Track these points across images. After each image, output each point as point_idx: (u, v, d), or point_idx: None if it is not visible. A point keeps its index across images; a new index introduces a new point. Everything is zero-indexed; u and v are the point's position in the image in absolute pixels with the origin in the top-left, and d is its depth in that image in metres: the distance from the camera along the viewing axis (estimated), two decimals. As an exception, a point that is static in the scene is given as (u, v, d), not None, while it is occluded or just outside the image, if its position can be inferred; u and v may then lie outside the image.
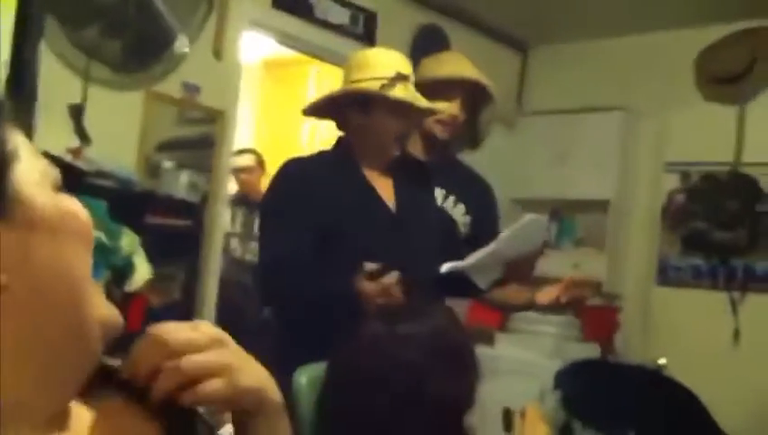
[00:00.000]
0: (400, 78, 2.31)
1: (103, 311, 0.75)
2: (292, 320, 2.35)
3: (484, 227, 2.68)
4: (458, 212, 2.70)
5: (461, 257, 2.43)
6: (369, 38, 4.24)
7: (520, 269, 2.45)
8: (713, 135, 4.52)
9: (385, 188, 2.39)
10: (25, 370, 0.69)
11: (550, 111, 4.93)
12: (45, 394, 0.71)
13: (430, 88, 2.54)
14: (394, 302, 2.13)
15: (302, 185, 2.30)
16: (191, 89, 3.43)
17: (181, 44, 3.30)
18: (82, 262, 0.73)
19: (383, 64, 2.33)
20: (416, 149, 2.66)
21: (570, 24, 4.81)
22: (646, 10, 4.48)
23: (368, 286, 2.15)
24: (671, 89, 4.63)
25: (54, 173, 0.74)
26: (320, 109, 2.46)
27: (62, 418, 0.74)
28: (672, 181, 4.62)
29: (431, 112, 2.44)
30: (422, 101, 2.35)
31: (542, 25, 4.91)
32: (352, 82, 2.37)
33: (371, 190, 2.36)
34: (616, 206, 4.69)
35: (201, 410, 0.85)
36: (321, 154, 2.50)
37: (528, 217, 2.40)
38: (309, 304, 2.25)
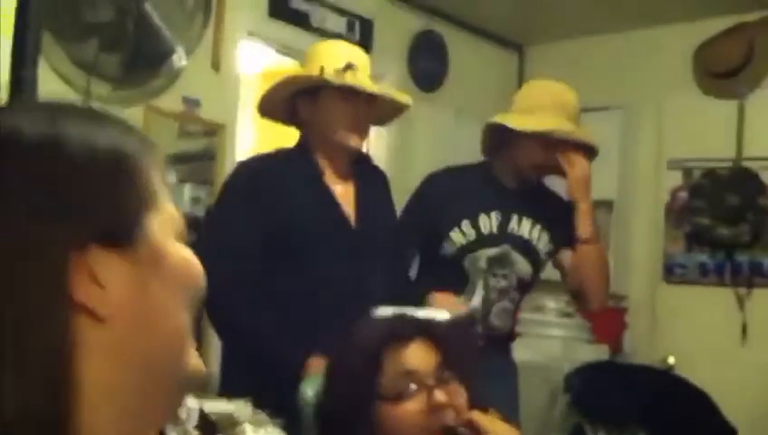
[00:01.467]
0: (349, 67, 2.25)
1: (194, 361, 0.75)
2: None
3: (562, 239, 2.67)
4: (543, 241, 2.66)
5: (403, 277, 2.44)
6: (365, 45, 4.23)
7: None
8: (713, 130, 4.51)
9: (345, 195, 2.32)
10: (106, 407, 0.68)
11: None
12: (117, 425, 0.69)
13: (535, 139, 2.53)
14: None
15: (257, 183, 2.24)
16: (191, 103, 3.43)
17: (179, 57, 3.30)
18: (189, 311, 0.74)
19: (332, 55, 2.29)
20: (505, 176, 2.65)
21: (564, 22, 4.81)
22: (641, 5, 4.48)
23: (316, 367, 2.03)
24: (670, 85, 4.62)
25: (181, 223, 0.75)
26: (275, 110, 2.40)
27: None
28: (674, 178, 4.61)
29: (385, 100, 2.35)
30: (367, 86, 2.27)
31: (537, 25, 4.91)
32: (306, 70, 2.33)
33: (330, 196, 2.29)
34: (619, 205, 4.68)
35: None
36: (282, 152, 2.40)
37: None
38: (248, 342, 2.20)
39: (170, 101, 3.37)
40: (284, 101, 2.35)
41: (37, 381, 0.63)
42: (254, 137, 4.73)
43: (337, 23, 4.11)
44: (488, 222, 2.61)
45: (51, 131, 0.68)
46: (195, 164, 3.47)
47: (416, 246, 2.66)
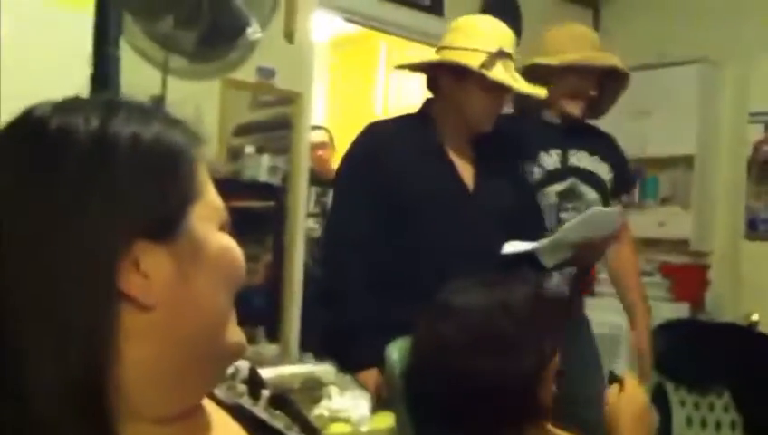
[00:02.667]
0: (502, 55, 2.27)
1: (235, 338, 0.80)
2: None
3: (625, 178, 2.87)
4: (603, 170, 2.78)
5: (540, 230, 2.41)
6: (437, 9, 4.21)
7: (588, 254, 2.43)
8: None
9: (465, 165, 2.35)
10: (148, 382, 0.74)
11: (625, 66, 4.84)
12: (166, 404, 0.76)
13: (566, 69, 2.66)
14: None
15: (376, 151, 2.29)
16: (266, 73, 3.48)
17: (254, 30, 3.34)
18: (230, 295, 0.79)
19: (487, 37, 2.29)
20: (551, 115, 2.76)
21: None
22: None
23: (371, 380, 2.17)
24: (750, 36, 4.48)
25: (224, 213, 0.80)
26: (416, 66, 2.45)
27: (181, 416, 0.79)
28: (757, 132, 4.49)
29: (528, 95, 2.39)
30: (520, 84, 2.31)
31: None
32: (453, 48, 2.33)
33: (449, 166, 2.33)
34: (700, 161, 4.58)
35: None
36: (403, 118, 2.48)
37: (594, 209, 2.38)
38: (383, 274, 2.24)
39: (245, 72, 3.43)
40: (427, 65, 2.41)
41: (79, 358, 0.69)
42: (325, 103, 4.80)
43: (407, -13, 4.08)
44: (549, 159, 2.70)
45: (101, 130, 0.73)
46: (271, 133, 3.53)
47: None
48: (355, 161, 2.34)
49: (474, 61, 2.26)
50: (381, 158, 2.28)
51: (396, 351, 1.89)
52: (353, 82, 4.85)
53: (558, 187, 2.70)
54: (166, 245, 0.72)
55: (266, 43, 3.44)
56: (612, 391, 1.56)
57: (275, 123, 3.56)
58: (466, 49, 2.29)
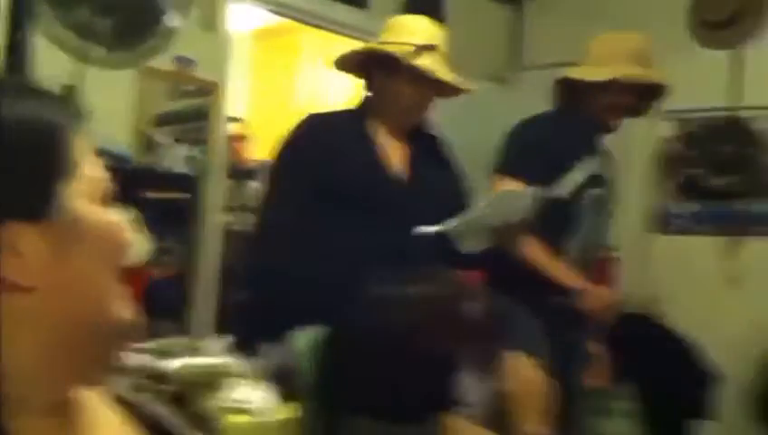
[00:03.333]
0: (428, 47, 2.34)
1: (123, 315, 0.79)
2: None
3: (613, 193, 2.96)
4: (611, 181, 2.93)
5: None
6: (360, 1, 4.24)
7: (505, 238, 2.49)
8: (708, 81, 4.51)
9: (400, 157, 2.40)
10: (36, 364, 0.73)
11: (546, 65, 4.94)
12: (57, 387, 0.76)
13: (612, 83, 2.74)
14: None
15: (313, 142, 2.33)
16: (184, 62, 3.47)
17: (172, 19, 3.33)
18: (113, 270, 0.77)
19: (414, 31, 2.37)
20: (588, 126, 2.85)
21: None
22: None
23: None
24: (665, 36, 4.60)
25: (106, 185, 0.78)
26: (349, 65, 2.49)
27: (66, 406, 0.79)
28: (670, 128, 4.63)
29: (455, 87, 2.45)
30: (445, 73, 2.37)
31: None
32: (383, 43, 2.41)
33: (382, 155, 2.38)
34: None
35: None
36: (341, 112, 2.55)
37: (504, 188, 2.44)
38: (318, 265, 2.24)
39: (164, 61, 3.41)
40: (360, 63, 2.45)
41: None
42: (247, 95, 4.78)
43: (329, -20, 4.10)
44: (593, 164, 2.83)
45: None
46: (190, 124, 3.53)
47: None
48: (292, 151, 2.37)
49: (400, 51, 2.33)
50: (317, 148, 2.32)
51: (303, 340, 1.91)
52: (275, 75, 4.85)
53: (596, 192, 2.83)
54: (39, 225, 0.71)
55: (185, 33, 3.42)
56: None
57: (194, 114, 3.56)
58: (394, 43, 2.36)
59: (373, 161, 2.36)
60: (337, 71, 2.54)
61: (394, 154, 2.39)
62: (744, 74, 4.44)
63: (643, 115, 3.06)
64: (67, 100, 0.80)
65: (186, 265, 3.37)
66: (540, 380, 1.62)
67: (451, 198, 2.47)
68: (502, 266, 2.80)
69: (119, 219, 0.78)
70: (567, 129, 2.84)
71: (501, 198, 2.41)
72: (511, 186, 2.64)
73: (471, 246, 2.38)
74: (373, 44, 2.44)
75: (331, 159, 2.31)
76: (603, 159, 2.92)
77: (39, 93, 0.78)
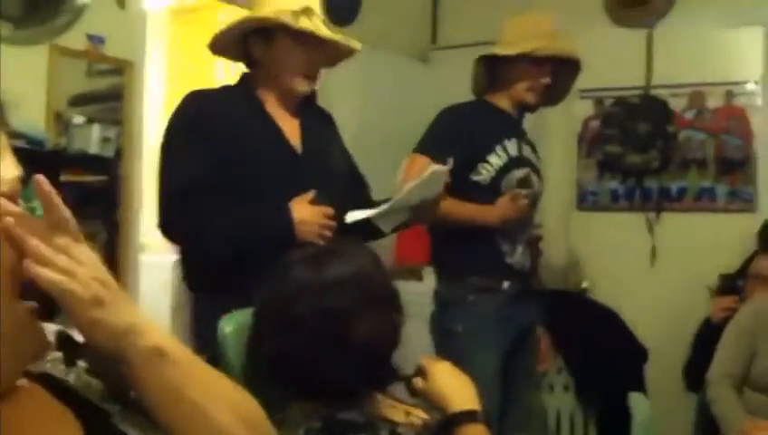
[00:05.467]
0: (305, 12, 2.28)
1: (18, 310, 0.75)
2: (204, 261, 2.27)
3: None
4: (537, 161, 3.03)
5: (366, 203, 2.45)
6: (277, -22, 4.16)
7: (422, 214, 2.49)
8: (623, 60, 4.58)
9: (291, 129, 2.35)
10: None
11: (465, 44, 4.93)
12: None
13: (520, 58, 2.85)
14: (328, 236, 2.16)
15: (202, 117, 2.25)
16: (96, 40, 3.33)
17: (82, -6, 3.20)
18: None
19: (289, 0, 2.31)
20: (507, 108, 2.96)
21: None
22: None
23: (308, 213, 2.15)
24: (580, 15, 4.66)
25: (11, 185, 0.75)
26: (227, 47, 2.41)
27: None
28: (586, 107, 4.69)
29: (337, 45, 2.40)
30: (324, 32, 2.32)
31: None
32: (256, 11, 2.35)
33: (275, 127, 2.32)
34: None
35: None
36: (225, 88, 2.47)
37: (433, 168, 2.44)
38: (227, 238, 2.19)
39: (75, 39, 3.27)
40: (237, 40, 2.36)
41: None
42: (165, 73, 4.65)
43: (246, -44, 4.00)
44: (511, 146, 2.91)
45: None
46: (104, 104, 3.39)
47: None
48: (180, 127, 2.28)
49: (278, 18, 2.27)
50: (206, 123, 2.24)
51: (229, 325, 1.85)
52: (194, 52, 4.73)
53: (518, 173, 2.90)
54: None
55: (97, 10, 3.30)
56: (417, 382, 1.60)
57: (111, 94, 3.43)
58: (270, 10, 2.31)
59: (268, 132, 2.31)
60: (216, 56, 2.47)
61: (286, 126, 2.34)
62: (658, 53, 4.52)
63: (562, 97, 3.13)
64: None
65: (109, 250, 3.24)
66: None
67: (342, 171, 2.46)
68: (452, 255, 2.85)
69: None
70: (486, 113, 2.95)
71: (431, 175, 2.39)
72: (420, 163, 2.71)
73: (390, 224, 2.41)
74: (248, 16, 2.36)
75: (226, 132, 2.24)
76: (524, 140, 2.99)
77: None
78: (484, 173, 2.86)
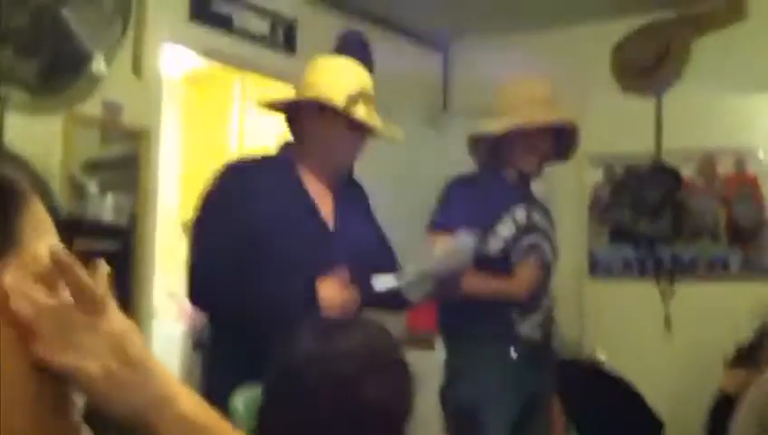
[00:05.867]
0: (362, 96, 2.31)
1: None
2: (228, 330, 2.30)
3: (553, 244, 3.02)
4: (552, 231, 3.01)
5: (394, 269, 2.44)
6: (290, 46, 4.22)
7: (450, 285, 2.49)
8: (632, 127, 4.60)
9: (325, 204, 2.37)
10: None
11: (473, 109, 4.96)
12: None
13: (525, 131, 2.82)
14: (352, 308, 2.16)
15: (238, 190, 2.27)
16: (112, 108, 3.36)
17: (98, 63, 3.23)
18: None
19: (348, 78, 2.35)
20: (512, 174, 2.92)
21: (488, 23, 4.85)
22: (560, 4, 4.55)
23: (334, 291, 2.15)
24: (589, 82, 4.70)
25: (41, 264, 0.72)
26: (278, 107, 2.45)
27: None
28: (596, 175, 4.70)
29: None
30: (379, 123, 2.36)
31: (461, 25, 4.95)
32: (315, 87, 2.35)
33: (311, 204, 2.34)
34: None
35: None
36: (263, 159, 2.48)
37: (460, 238, 2.44)
38: (252, 307, 2.20)
39: (91, 106, 3.30)
40: (290, 109, 2.42)
41: None
42: (179, 140, 4.68)
43: (260, 25, 4.07)
44: (520, 215, 2.89)
45: None
46: (118, 172, 3.40)
47: None
48: (216, 201, 2.29)
49: (337, 99, 2.28)
50: (241, 196, 2.26)
51: (241, 402, 1.84)
52: (207, 119, 4.77)
53: (528, 240, 2.88)
54: None
55: (114, 78, 3.33)
56: None
57: (126, 160, 3.44)
58: (330, 89, 2.30)
59: (304, 208, 2.33)
60: (266, 111, 2.50)
61: (321, 201, 2.35)
62: (667, 120, 4.54)
63: (565, 159, 3.12)
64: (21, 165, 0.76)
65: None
66: None
67: (372, 246, 2.46)
68: (460, 323, 2.83)
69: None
70: (493, 182, 2.94)
71: (449, 252, 2.40)
72: (444, 241, 2.70)
73: (418, 295, 2.41)
74: (306, 93, 2.38)
75: (261, 206, 2.25)
76: (533, 207, 2.98)
77: None
78: (495, 244, 2.84)
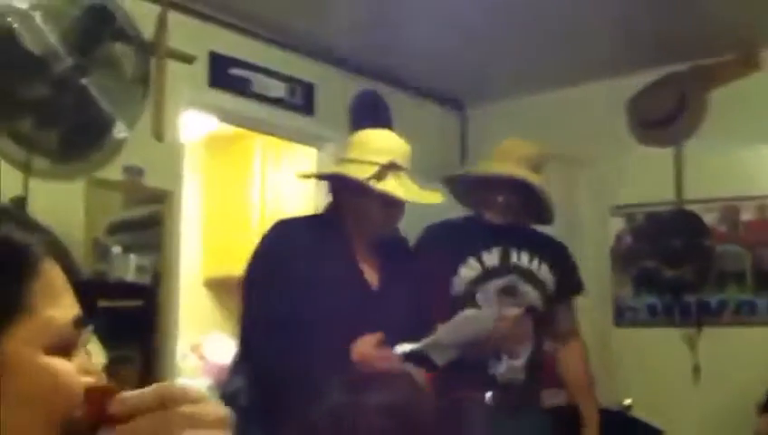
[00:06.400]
0: (393, 167, 2.36)
1: None
2: (269, 389, 2.31)
3: (570, 282, 3.09)
4: (544, 272, 2.96)
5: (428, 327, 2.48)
6: (308, 109, 4.30)
7: (475, 351, 2.51)
8: (653, 177, 4.61)
9: (370, 267, 2.42)
10: None
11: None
12: None
13: (487, 182, 2.91)
14: (386, 367, 2.17)
15: (287, 251, 2.33)
16: (134, 172, 3.43)
17: (120, 130, 3.31)
18: (48, 424, 0.70)
19: (379, 149, 2.40)
20: (494, 218, 2.93)
21: (505, 81, 4.92)
22: (574, 63, 4.61)
23: (369, 353, 2.17)
24: (607, 136, 4.73)
25: (61, 331, 0.72)
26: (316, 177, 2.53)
27: None
28: (618, 224, 4.70)
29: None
30: (412, 194, 2.39)
31: (478, 85, 5.01)
32: (348, 160, 2.43)
33: (356, 268, 2.39)
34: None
35: None
36: (311, 217, 2.56)
37: (466, 312, 2.48)
38: (292, 367, 2.22)
39: (113, 170, 3.38)
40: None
41: None
42: (201, 202, 4.76)
43: (278, 88, 4.15)
44: (489, 257, 2.89)
45: None
46: (140, 233, 3.47)
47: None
48: (265, 258, 2.35)
49: (364, 173, 2.34)
50: (290, 255, 2.31)
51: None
52: (228, 182, 4.84)
53: (498, 283, 2.87)
54: None
55: (134, 142, 3.41)
56: None
57: (147, 222, 3.51)
58: (361, 162, 2.37)
59: (348, 267, 2.37)
60: (304, 180, 2.56)
61: (366, 264, 2.40)
62: (688, 170, 4.54)
63: (547, 223, 3.10)
64: (44, 231, 0.76)
65: (144, 377, 3.25)
66: None
67: (416, 305, 2.48)
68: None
69: (65, 371, 0.72)
70: (466, 226, 2.98)
71: (463, 319, 2.44)
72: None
73: (441, 359, 2.45)
74: (341, 165, 2.45)
75: (306, 263, 2.28)
76: (519, 249, 2.95)
77: (15, 222, 0.74)
78: (457, 286, 2.87)
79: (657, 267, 4.54)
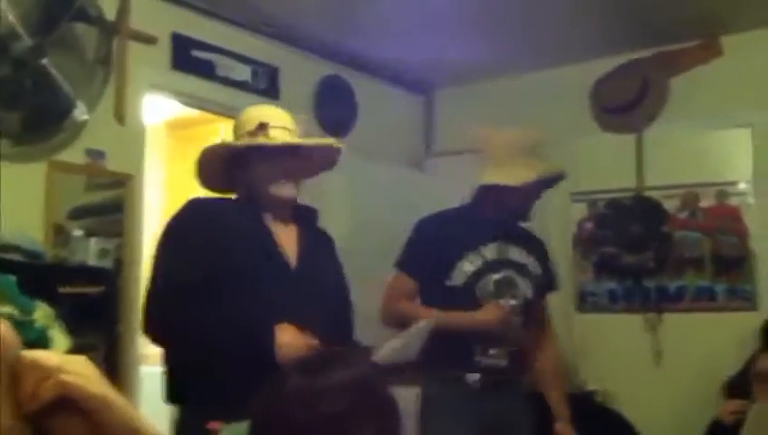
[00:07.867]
0: (261, 127, 2.34)
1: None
2: (185, 370, 2.24)
3: (550, 278, 3.16)
4: (534, 266, 3.05)
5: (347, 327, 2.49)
6: (272, 93, 4.26)
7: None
8: (613, 163, 4.65)
9: (288, 244, 2.37)
10: None
11: (457, 151, 5.02)
12: None
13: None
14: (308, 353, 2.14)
15: (198, 222, 2.28)
16: (96, 155, 3.39)
17: (81, 112, 3.26)
18: None
19: (249, 119, 2.39)
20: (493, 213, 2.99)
21: (469, 67, 4.92)
22: (538, 48, 4.63)
23: (292, 338, 2.14)
24: (570, 122, 4.75)
25: None
26: (217, 181, 2.46)
27: None
28: (580, 210, 4.74)
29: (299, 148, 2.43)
30: (280, 140, 2.35)
31: (443, 69, 5.01)
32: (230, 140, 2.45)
33: (271, 240, 2.34)
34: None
35: None
36: (227, 198, 2.49)
37: (415, 328, 2.49)
38: (208, 345, 2.17)
39: (74, 154, 3.33)
40: (221, 172, 2.42)
41: None
42: (164, 186, 4.71)
43: (242, 71, 4.12)
44: (489, 251, 2.96)
45: None
46: (102, 218, 3.42)
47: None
48: (175, 231, 2.30)
49: (239, 137, 2.36)
50: (200, 228, 2.26)
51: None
52: (192, 165, 4.79)
53: (495, 276, 2.93)
54: None
55: (96, 125, 3.36)
56: None
57: (109, 207, 3.46)
58: (238, 136, 2.39)
59: (265, 244, 2.32)
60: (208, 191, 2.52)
61: (284, 241, 2.36)
62: (649, 156, 4.58)
63: (524, 218, 3.14)
64: None
65: (109, 361, 3.20)
66: None
67: (333, 291, 2.47)
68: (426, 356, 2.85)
69: None
70: (464, 219, 3.02)
71: (412, 335, 2.46)
72: (399, 283, 2.95)
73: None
74: (205, 147, 2.43)
75: (220, 238, 2.25)
76: (515, 243, 3.02)
77: None
78: (457, 278, 2.92)
79: (618, 253, 4.59)
